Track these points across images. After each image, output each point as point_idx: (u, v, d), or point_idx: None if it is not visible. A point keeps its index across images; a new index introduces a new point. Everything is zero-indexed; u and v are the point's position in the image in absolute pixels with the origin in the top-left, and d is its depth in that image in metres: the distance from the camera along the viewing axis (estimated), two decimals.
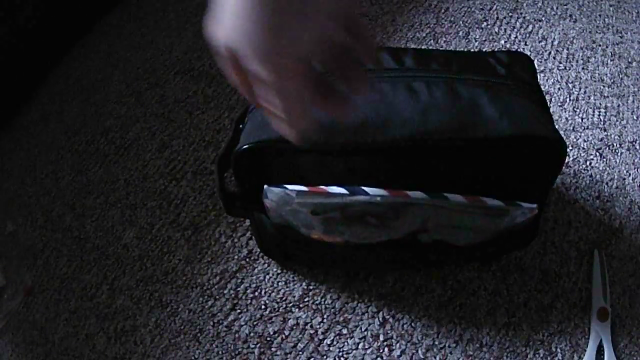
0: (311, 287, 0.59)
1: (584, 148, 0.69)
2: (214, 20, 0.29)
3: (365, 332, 0.56)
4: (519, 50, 0.82)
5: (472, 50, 0.81)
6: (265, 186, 0.46)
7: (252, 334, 0.56)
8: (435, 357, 0.54)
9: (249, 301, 0.59)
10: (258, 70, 0.28)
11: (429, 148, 0.44)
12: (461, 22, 0.85)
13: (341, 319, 0.57)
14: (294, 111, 0.30)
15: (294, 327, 0.57)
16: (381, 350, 0.55)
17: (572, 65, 0.79)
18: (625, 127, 0.72)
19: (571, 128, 0.72)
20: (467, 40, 0.83)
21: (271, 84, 0.28)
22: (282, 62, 0.28)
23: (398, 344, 0.55)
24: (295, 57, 0.28)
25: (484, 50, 0.82)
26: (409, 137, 0.43)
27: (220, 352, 0.56)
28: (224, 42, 0.28)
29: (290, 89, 0.29)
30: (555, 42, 0.83)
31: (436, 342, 0.55)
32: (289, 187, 0.45)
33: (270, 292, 0.59)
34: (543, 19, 0.87)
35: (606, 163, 0.68)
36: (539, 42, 0.83)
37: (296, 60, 0.28)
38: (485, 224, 0.47)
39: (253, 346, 0.56)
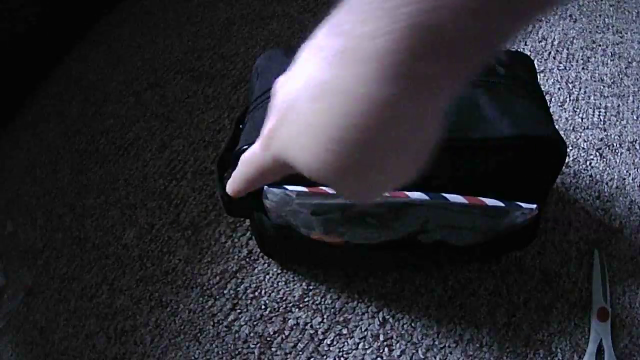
0: (311, 287, 0.59)
1: (584, 148, 0.69)
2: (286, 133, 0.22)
3: (365, 332, 0.56)
4: (519, 50, 0.82)
5: None
6: (265, 187, 0.46)
7: (252, 334, 0.56)
8: (435, 357, 0.54)
9: (249, 301, 0.59)
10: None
11: None
12: None
13: (341, 319, 0.57)
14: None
15: (294, 327, 0.57)
16: (381, 350, 0.55)
17: (572, 65, 0.79)
18: (625, 127, 0.72)
19: (571, 128, 0.72)
20: None
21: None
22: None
23: (398, 344, 0.55)
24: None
25: None
26: None
27: (220, 352, 0.56)
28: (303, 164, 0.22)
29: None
30: (555, 42, 0.83)
31: (436, 342, 0.55)
32: (289, 187, 0.45)
33: (270, 292, 0.59)
34: (543, 19, 0.87)
35: (606, 163, 0.68)
36: (539, 42, 0.83)
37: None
38: (485, 224, 0.46)
39: (253, 346, 0.56)
